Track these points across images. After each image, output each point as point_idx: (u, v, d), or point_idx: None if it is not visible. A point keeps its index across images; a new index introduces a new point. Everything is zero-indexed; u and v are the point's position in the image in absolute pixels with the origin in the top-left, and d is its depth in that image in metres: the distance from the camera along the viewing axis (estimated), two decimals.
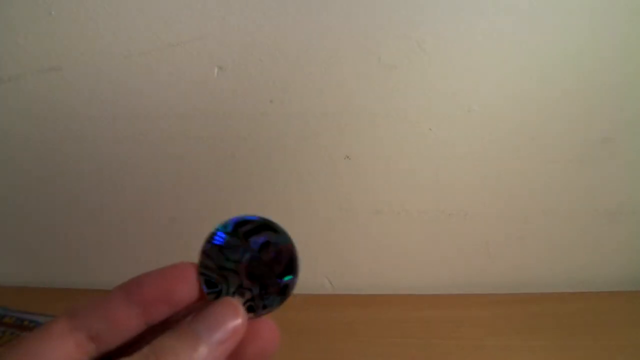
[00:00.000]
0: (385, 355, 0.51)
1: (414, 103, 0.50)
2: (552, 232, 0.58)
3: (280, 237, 0.24)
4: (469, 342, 0.52)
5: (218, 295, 0.23)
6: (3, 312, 0.55)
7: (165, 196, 0.57)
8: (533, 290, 0.58)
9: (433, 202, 0.56)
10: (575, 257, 0.60)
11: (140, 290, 0.21)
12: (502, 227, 0.58)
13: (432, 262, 0.61)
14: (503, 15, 0.46)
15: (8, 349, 0.18)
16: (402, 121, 0.51)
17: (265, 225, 0.24)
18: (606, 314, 0.54)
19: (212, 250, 0.23)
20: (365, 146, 0.53)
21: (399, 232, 0.58)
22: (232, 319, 0.21)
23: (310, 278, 0.61)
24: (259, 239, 0.24)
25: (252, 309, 0.23)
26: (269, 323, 0.22)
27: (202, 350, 0.19)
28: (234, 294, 0.23)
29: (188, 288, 0.22)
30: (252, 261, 0.23)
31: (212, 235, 0.24)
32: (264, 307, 0.23)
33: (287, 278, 0.23)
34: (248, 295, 0.23)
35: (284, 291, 0.23)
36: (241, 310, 0.21)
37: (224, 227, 0.24)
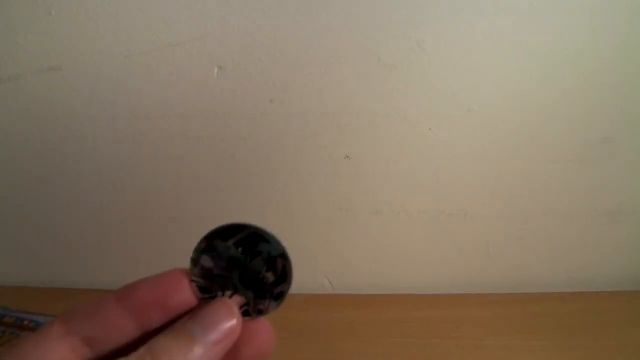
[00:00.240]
0: (385, 355, 0.51)
1: (414, 103, 0.50)
2: (552, 232, 0.58)
3: (271, 246, 0.23)
4: (469, 342, 0.52)
5: (213, 299, 0.23)
6: (3, 312, 0.55)
7: (165, 196, 0.57)
8: (533, 290, 0.58)
9: (433, 202, 0.56)
10: (575, 257, 0.60)
11: (133, 296, 0.21)
12: (502, 227, 0.58)
13: (432, 262, 0.61)
14: (503, 16, 0.46)
15: (4, 352, 0.18)
16: (402, 121, 0.51)
17: (256, 235, 0.23)
18: (606, 314, 0.54)
19: (204, 259, 0.23)
20: (365, 146, 0.53)
21: (399, 232, 0.58)
22: (227, 319, 0.21)
23: (310, 278, 0.61)
24: (250, 248, 0.23)
25: (247, 313, 0.23)
26: (264, 324, 0.22)
27: (198, 350, 0.19)
28: (230, 297, 0.23)
29: (182, 295, 0.22)
30: (244, 271, 0.23)
31: (201, 244, 0.23)
32: (259, 311, 0.23)
33: (281, 285, 0.23)
34: (242, 300, 0.23)
35: (279, 297, 0.23)
36: (236, 311, 0.22)
37: (213, 235, 0.23)
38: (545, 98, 0.50)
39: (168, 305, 0.21)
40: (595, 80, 0.49)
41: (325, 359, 0.51)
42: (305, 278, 0.60)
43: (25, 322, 0.53)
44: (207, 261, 0.23)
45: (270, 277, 0.23)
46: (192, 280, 0.23)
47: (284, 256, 0.23)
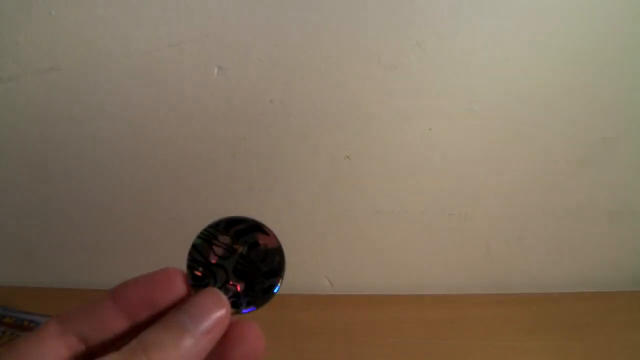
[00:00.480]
0: (385, 355, 0.51)
1: (414, 103, 0.50)
2: (552, 232, 0.58)
3: (269, 239, 0.24)
4: (469, 342, 0.52)
5: (204, 287, 0.23)
6: (3, 312, 0.55)
7: (165, 196, 0.57)
8: (533, 290, 0.58)
9: (433, 202, 0.56)
10: (575, 257, 0.60)
11: (125, 295, 0.22)
12: (502, 227, 0.58)
13: (432, 262, 0.61)
14: (503, 15, 0.46)
15: (2, 353, 0.19)
16: (402, 121, 0.51)
17: (256, 227, 0.25)
18: (606, 314, 0.54)
19: (202, 246, 0.24)
20: (365, 146, 0.53)
21: (399, 232, 0.58)
22: (216, 309, 0.21)
23: (310, 278, 0.61)
24: (248, 239, 0.24)
25: (236, 305, 0.23)
26: (254, 328, 0.22)
27: (188, 340, 0.19)
28: (219, 288, 0.23)
29: (173, 293, 0.22)
30: (240, 260, 0.24)
31: (204, 232, 0.24)
32: (248, 303, 0.23)
33: (272, 278, 0.24)
34: (233, 290, 0.24)
35: (269, 290, 0.24)
36: (225, 300, 0.22)
37: (216, 224, 0.25)
38: (546, 98, 0.50)
39: (159, 303, 0.22)
40: (596, 80, 0.49)
41: (325, 359, 0.51)
42: (305, 278, 0.60)
43: (25, 322, 0.53)
44: (205, 249, 0.24)
45: (264, 268, 0.24)
46: (188, 266, 0.23)
47: (279, 250, 0.24)
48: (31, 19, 0.47)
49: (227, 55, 0.48)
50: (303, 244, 0.59)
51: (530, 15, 0.46)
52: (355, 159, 0.53)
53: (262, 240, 0.24)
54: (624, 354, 0.49)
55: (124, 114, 0.52)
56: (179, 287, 0.22)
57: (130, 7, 0.46)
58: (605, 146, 0.52)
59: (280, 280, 0.24)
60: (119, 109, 0.51)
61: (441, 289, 0.59)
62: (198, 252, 0.24)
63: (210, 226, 0.24)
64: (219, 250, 0.24)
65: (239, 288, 0.24)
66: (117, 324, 0.21)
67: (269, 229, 0.24)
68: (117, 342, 0.21)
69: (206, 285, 0.23)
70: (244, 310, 0.23)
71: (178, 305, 0.21)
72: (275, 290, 0.24)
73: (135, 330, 0.21)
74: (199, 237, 0.24)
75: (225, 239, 0.24)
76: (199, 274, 0.24)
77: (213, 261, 0.24)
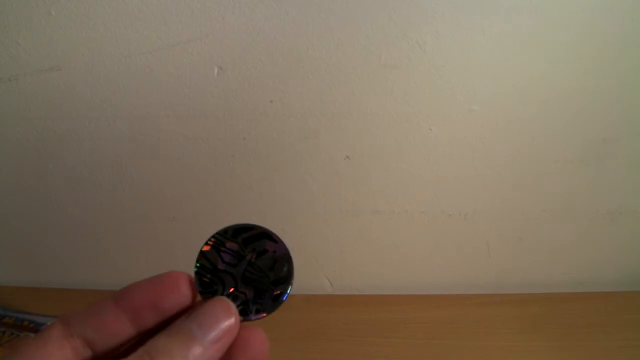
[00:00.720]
0: (385, 355, 0.51)
1: (414, 103, 0.50)
2: (552, 232, 0.58)
3: (278, 246, 0.24)
4: (469, 342, 0.52)
5: (212, 296, 0.23)
6: (3, 312, 0.55)
7: (165, 196, 0.57)
8: (533, 290, 0.58)
9: (433, 202, 0.56)
10: (575, 257, 0.60)
11: (128, 298, 0.21)
12: (502, 227, 0.58)
13: (432, 262, 0.61)
14: (503, 15, 0.46)
15: (7, 355, 0.19)
16: (402, 121, 0.51)
17: (265, 234, 0.24)
18: (606, 314, 0.54)
19: (211, 253, 0.24)
20: (365, 146, 0.53)
21: (399, 232, 0.58)
22: (225, 318, 0.21)
23: (310, 278, 0.61)
24: (257, 246, 0.24)
25: (245, 312, 0.23)
26: (259, 333, 0.22)
27: (196, 349, 0.19)
28: (228, 296, 0.23)
29: (177, 297, 0.22)
30: (249, 267, 0.24)
31: (212, 238, 0.24)
32: (257, 311, 0.23)
33: (281, 286, 0.24)
34: (242, 298, 0.23)
35: (277, 298, 0.24)
36: (234, 309, 0.22)
37: (224, 231, 0.24)
38: (546, 98, 0.50)
39: (163, 307, 0.22)
40: (596, 80, 0.49)
41: (325, 359, 0.51)
42: (305, 278, 0.60)
43: (25, 322, 0.53)
44: (213, 256, 0.24)
45: (272, 276, 0.24)
46: (196, 273, 0.23)
47: (288, 258, 0.24)
48: (31, 19, 0.47)
49: (227, 55, 0.48)
50: (303, 244, 0.59)
51: (530, 15, 0.46)
52: (355, 159, 0.53)
53: (270, 247, 0.24)
54: (624, 354, 0.49)
55: (124, 114, 0.52)
56: (184, 291, 0.22)
57: (130, 7, 0.46)
58: (605, 146, 0.52)
59: (290, 288, 0.24)
60: (119, 109, 0.51)
61: (441, 289, 0.59)
62: (206, 259, 0.24)
63: (218, 233, 0.24)
64: (227, 257, 0.24)
65: (247, 295, 0.23)
66: (122, 327, 0.21)
67: (277, 237, 0.24)
68: (123, 347, 0.21)
69: (214, 292, 0.23)
70: (253, 318, 0.23)
71: (186, 313, 0.21)
72: (284, 298, 0.24)
73: (140, 335, 0.21)
74: (206, 243, 0.24)
75: (233, 246, 0.24)
76: (206, 280, 0.23)
77: (221, 268, 0.24)
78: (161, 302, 0.22)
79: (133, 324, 0.21)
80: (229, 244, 0.24)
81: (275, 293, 0.24)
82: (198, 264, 0.24)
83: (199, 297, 0.23)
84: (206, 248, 0.24)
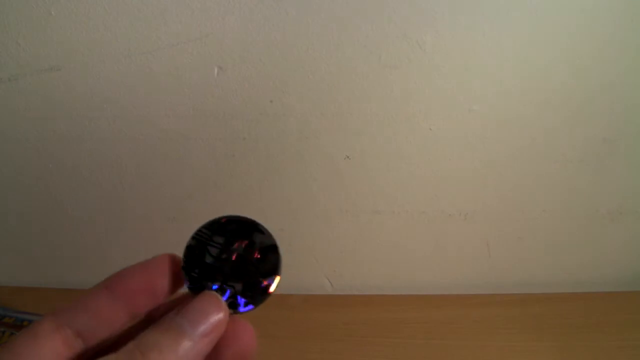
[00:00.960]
0: (385, 355, 0.51)
1: (414, 103, 0.50)
2: (552, 232, 0.58)
3: (265, 238, 0.24)
4: (469, 342, 0.52)
5: (200, 290, 0.23)
6: (3, 312, 0.55)
7: (165, 196, 0.57)
8: (533, 290, 0.58)
9: (433, 202, 0.56)
10: (575, 257, 0.60)
11: (122, 283, 0.22)
12: (502, 227, 0.58)
13: (432, 262, 0.61)
14: (503, 15, 0.46)
15: None
16: (402, 121, 0.51)
17: (252, 226, 0.24)
18: (606, 314, 0.54)
19: (198, 247, 0.24)
20: (365, 146, 0.53)
21: (399, 232, 0.58)
22: (214, 312, 0.21)
23: (310, 278, 0.61)
24: (244, 238, 0.24)
25: (234, 305, 0.23)
26: (246, 326, 0.22)
27: (186, 343, 0.19)
28: (216, 290, 0.23)
29: (169, 279, 0.22)
30: (237, 260, 0.24)
31: (198, 232, 0.24)
32: (246, 303, 0.23)
33: (269, 278, 0.24)
34: (230, 291, 0.23)
35: (265, 290, 0.24)
36: (223, 304, 0.22)
37: (210, 225, 0.24)
38: (546, 98, 0.50)
39: (156, 290, 0.22)
40: (596, 80, 0.49)
41: (325, 359, 0.51)
42: (305, 278, 0.60)
43: (25, 322, 0.53)
44: (200, 250, 0.24)
45: (260, 267, 0.24)
46: (182, 268, 0.23)
47: (275, 249, 0.24)
48: (31, 19, 0.47)
49: (227, 55, 0.48)
50: (303, 244, 0.59)
51: (530, 15, 0.46)
52: (355, 159, 0.53)
53: (257, 239, 0.24)
54: (624, 354, 0.49)
55: (124, 114, 0.52)
56: (174, 273, 0.22)
57: (130, 7, 0.46)
58: (605, 146, 0.52)
59: (278, 279, 0.24)
60: (119, 109, 0.51)
61: (441, 289, 0.59)
62: (193, 254, 0.24)
63: (204, 227, 0.24)
64: (214, 251, 0.24)
65: (236, 288, 0.23)
66: (115, 314, 0.21)
67: (264, 227, 0.24)
68: (115, 335, 0.21)
69: (203, 287, 0.23)
70: (242, 310, 0.23)
71: (176, 308, 0.21)
72: (273, 289, 0.24)
73: (132, 320, 0.21)
74: (193, 238, 0.24)
75: (219, 239, 0.24)
76: (195, 275, 0.23)
77: (209, 262, 0.24)
78: (155, 285, 0.22)
79: (127, 311, 0.21)
80: (215, 238, 0.24)
81: (264, 284, 0.24)
82: (185, 259, 0.24)
83: (186, 290, 0.23)
84: (192, 242, 0.24)
